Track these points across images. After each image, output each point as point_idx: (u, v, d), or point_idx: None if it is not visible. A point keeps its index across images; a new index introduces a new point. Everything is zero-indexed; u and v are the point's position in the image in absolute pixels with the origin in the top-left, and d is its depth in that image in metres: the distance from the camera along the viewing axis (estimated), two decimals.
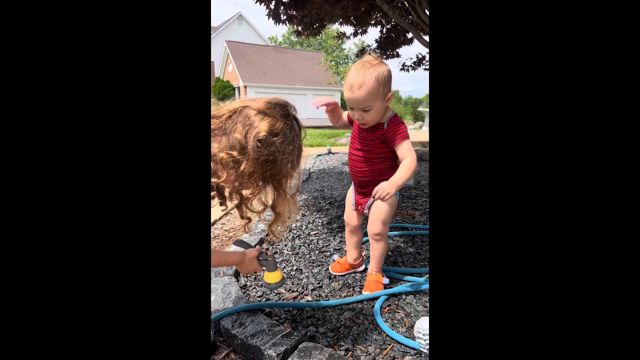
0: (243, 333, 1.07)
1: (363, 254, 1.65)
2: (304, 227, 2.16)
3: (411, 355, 1.01)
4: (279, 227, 0.97)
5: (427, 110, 10.46)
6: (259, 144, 0.81)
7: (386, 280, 1.41)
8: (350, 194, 1.50)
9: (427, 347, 0.91)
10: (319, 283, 1.46)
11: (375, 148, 1.34)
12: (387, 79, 1.22)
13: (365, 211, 1.42)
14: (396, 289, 1.35)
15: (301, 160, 0.94)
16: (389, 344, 1.07)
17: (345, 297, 1.36)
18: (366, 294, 1.34)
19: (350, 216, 1.49)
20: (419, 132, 8.52)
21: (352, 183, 1.50)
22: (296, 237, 2.02)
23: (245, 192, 0.84)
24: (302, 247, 1.86)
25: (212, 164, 0.81)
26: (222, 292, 1.32)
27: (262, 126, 0.81)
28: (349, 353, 1.03)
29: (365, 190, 1.41)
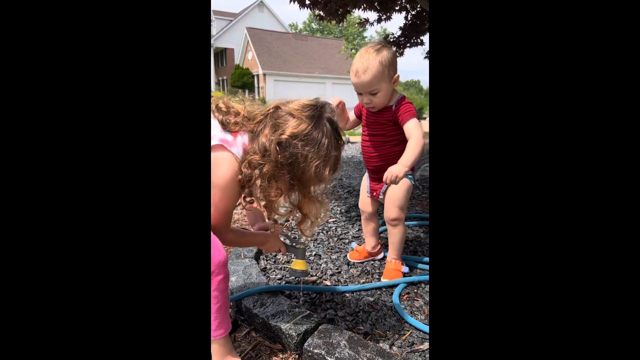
0: (264, 313, 1.09)
1: (381, 242, 1.65)
2: (327, 198, 2.17)
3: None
4: (308, 227, 0.97)
5: None
6: (278, 147, 0.81)
7: (405, 269, 1.41)
8: (365, 181, 1.50)
9: None
10: (337, 269, 1.48)
11: (386, 132, 1.35)
12: (391, 61, 1.24)
13: (380, 197, 1.42)
14: (415, 277, 1.35)
15: (338, 167, 0.90)
16: (408, 330, 1.08)
17: (363, 283, 1.36)
18: (385, 281, 1.34)
19: (365, 203, 1.49)
20: None
21: (366, 170, 1.49)
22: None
23: (269, 194, 0.84)
24: (321, 233, 1.88)
25: (244, 168, 0.82)
26: (244, 274, 1.35)
27: (285, 129, 0.82)
28: (368, 337, 1.05)
29: (378, 176, 1.40)
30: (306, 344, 0.96)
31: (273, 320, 1.06)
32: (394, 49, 3.55)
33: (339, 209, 2.24)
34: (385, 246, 1.61)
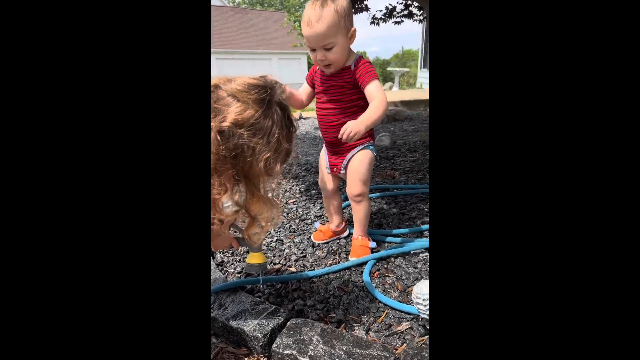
0: (223, 315, 0.96)
1: (345, 218, 1.56)
2: (280, 195, 2.04)
3: (408, 320, 0.95)
4: (256, 232, 0.84)
5: (397, 70, 10.30)
6: (219, 136, 0.66)
7: (373, 244, 1.33)
8: (323, 157, 1.37)
9: (428, 312, 0.85)
10: (302, 252, 1.37)
11: (346, 95, 1.21)
12: (347, 11, 1.10)
13: (342, 172, 1.31)
14: (384, 252, 1.28)
15: (290, 158, 0.78)
16: (383, 311, 1.01)
17: (331, 265, 1.27)
18: (353, 260, 1.26)
19: (325, 181, 1.38)
20: (390, 93, 8.38)
21: (324, 144, 1.37)
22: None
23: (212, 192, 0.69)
24: (281, 216, 1.75)
25: None
26: None
27: (227, 115, 0.66)
28: (342, 325, 0.96)
29: (339, 149, 1.29)
30: (275, 345, 0.85)
31: (234, 321, 0.93)
32: None
33: (297, 188, 2.11)
34: (349, 222, 1.52)
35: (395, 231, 1.45)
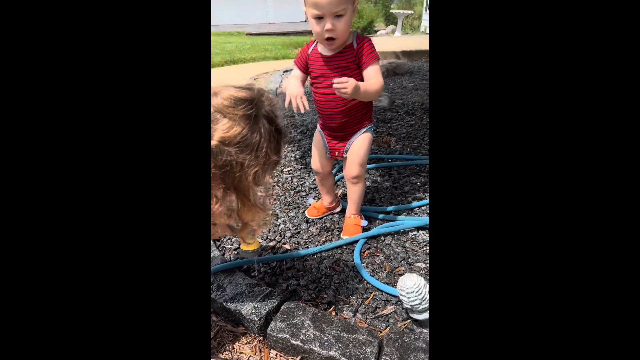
0: (222, 297, 1.03)
1: (338, 193, 1.60)
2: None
3: (393, 303, 1.03)
4: (249, 234, 0.88)
5: (401, 12, 9.64)
6: None
7: (364, 223, 1.38)
8: (319, 142, 1.35)
9: (410, 303, 0.92)
10: (296, 229, 1.42)
11: (354, 76, 1.14)
12: None
13: (345, 155, 1.32)
14: (374, 231, 1.34)
15: (277, 166, 0.81)
16: (371, 292, 1.08)
17: (324, 242, 1.33)
18: (345, 238, 1.32)
19: (320, 164, 1.37)
20: (392, 40, 7.93)
21: (320, 128, 1.35)
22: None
23: None
24: (276, 187, 1.78)
25: None
26: None
27: (214, 133, 0.65)
28: (332, 307, 1.04)
29: (343, 133, 1.28)
30: (269, 328, 0.93)
31: (232, 304, 1.01)
32: None
33: (293, 155, 2.12)
34: (342, 197, 1.56)
35: (389, 208, 1.50)
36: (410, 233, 1.35)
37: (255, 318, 0.95)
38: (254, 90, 0.73)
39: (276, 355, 0.92)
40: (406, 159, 1.92)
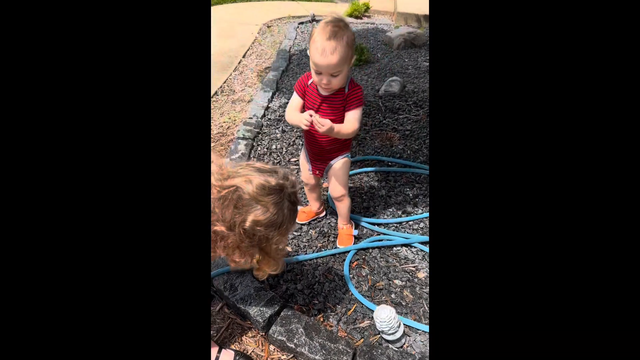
0: (234, 296, 1.29)
1: (323, 201, 1.78)
2: (284, 150, 2.20)
3: (369, 318, 1.29)
4: (260, 274, 1.04)
5: None
6: (242, 231, 0.81)
7: (355, 232, 1.61)
8: (304, 160, 1.54)
9: (381, 329, 1.17)
10: (297, 230, 1.64)
11: (338, 116, 1.33)
12: (353, 42, 1.23)
13: (324, 175, 1.53)
14: (363, 244, 1.56)
15: (292, 227, 0.95)
16: (353, 304, 1.34)
17: (320, 247, 1.57)
18: (338, 248, 1.55)
19: (308, 177, 1.57)
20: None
21: (305, 150, 1.52)
22: (276, 164, 2.08)
23: (232, 257, 0.89)
24: None
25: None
26: None
27: (248, 216, 0.80)
28: (320, 314, 1.30)
29: (322, 157, 1.47)
30: (271, 330, 1.19)
31: (242, 304, 1.26)
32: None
33: (301, 141, 2.25)
34: (326, 201, 1.77)
35: (380, 221, 1.70)
36: (394, 248, 1.58)
37: (260, 320, 1.21)
38: (279, 174, 0.88)
39: (274, 350, 1.19)
40: (404, 165, 2.07)
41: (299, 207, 1.71)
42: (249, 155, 2.11)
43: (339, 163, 1.45)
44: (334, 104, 1.32)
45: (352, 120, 1.30)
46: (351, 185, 1.92)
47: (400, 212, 1.76)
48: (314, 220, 1.69)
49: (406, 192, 1.90)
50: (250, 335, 1.24)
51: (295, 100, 1.39)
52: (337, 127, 1.25)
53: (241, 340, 1.22)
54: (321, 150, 1.44)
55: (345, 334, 1.24)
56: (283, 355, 1.18)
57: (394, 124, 2.50)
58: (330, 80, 1.22)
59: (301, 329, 1.19)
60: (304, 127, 1.25)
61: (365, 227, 1.67)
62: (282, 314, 1.24)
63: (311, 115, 1.21)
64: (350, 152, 1.51)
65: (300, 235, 1.62)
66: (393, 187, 1.93)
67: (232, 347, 1.19)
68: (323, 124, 1.19)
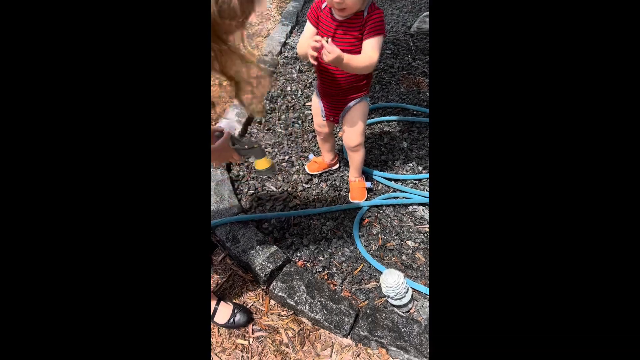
0: (236, 248, 1.23)
1: (337, 152, 1.62)
2: (299, 92, 2.02)
3: (376, 279, 1.22)
4: (253, 101, 0.83)
5: None
6: None
7: (368, 184, 1.48)
8: (317, 106, 1.36)
9: (387, 293, 1.10)
10: (307, 182, 1.54)
11: (357, 45, 1.12)
12: None
13: (339, 121, 1.35)
14: (377, 200, 1.45)
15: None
16: (360, 263, 1.27)
17: (330, 201, 1.47)
18: (350, 203, 1.44)
19: (321, 125, 1.41)
20: None
21: (318, 94, 1.34)
22: (290, 107, 1.93)
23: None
24: (296, 124, 1.82)
25: None
26: (215, 195, 1.41)
27: None
28: (325, 272, 1.24)
29: (337, 99, 1.28)
30: (272, 286, 1.14)
31: (244, 256, 1.21)
32: None
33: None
34: (340, 152, 1.63)
35: (397, 176, 1.57)
36: (410, 207, 1.46)
37: (262, 274, 1.17)
38: None
39: (275, 305, 1.16)
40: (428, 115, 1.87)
41: (311, 157, 1.61)
42: None
43: (357, 107, 1.28)
44: (351, 30, 1.10)
45: (368, 51, 1.09)
46: (369, 133, 1.76)
47: (421, 168, 1.61)
48: (325, 172, 1.58)
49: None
50: (251, 288, 1.20)
51: (309, 29, 1.19)
52: (348, 57, 1.03)
53: (241, 292, 1.18)
54: (338, 90, 1.24)
55: (349, 295, 1.18)
56: (283, 311, 1.14)
57: (424, 68, 2.24)
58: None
59: (303, 287, 1.14)
60: (312, 57, 1.05)
61: (381, 183, 1.54)
62: (284, 269, 1.19)
63: (318, 41, 1.01)
64: (370, 98, 1.33)
65: (310, 187, 1.52)
66: (416, 139, 1.76)
67: (232, 300, 1.16)
68: (330, 50, 0.99)
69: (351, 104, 1.28)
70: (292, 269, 1.18)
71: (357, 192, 1.46)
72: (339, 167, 1.60)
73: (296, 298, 1.11)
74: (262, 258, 1.20)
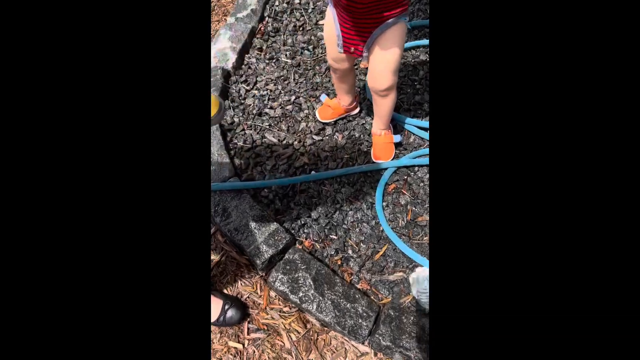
0: (227, 225, 0.98)
1: (357, 93, 1.24)
2: (310, 4, 1.56)
3: (403, 267, 0.97)
4: None
5: None
6: None
7: (397, 138, 1.14)
8: (332, 27, 0.94)
9: (419, 297, 0.85)
10: (318, 132, 1.21)
11: None
12: None
13: (364, 54, 0.94)
14: (406, 159, 1.12)
15: None
16: (384, 244, 1.01)
17: (347, 160, 1.15)
18: (373, 164, 1.13)
19: (337, 59, 1.01)
20: None
21: (332, 9, 0.91)
22: (299, 28, 1.49)
23: None
24: (306, 50, 1.41)
25: None
26: None
27: None
28: (338, 256, 0.99)
29: (362, 21, 0.87)
30: (271, 277, 0.92)
31: (237, 236, 0.97)
32: None
33: None
34: (362, 91, 1.25)
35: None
36: None
37: (258, 262, 0.93)
38: None
39: (276, 297, 0.94)
40: None
41: (324, 98, 1.24)
42: (261, 12, 1.52)
43: (390, 33, 0.87)
44: None
45: None
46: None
47: None
48: (342, 119, 1.23)
49: None
50: (247, 275, 0.98)
51: None
52: None
53: (235, 280, 0.97)
54: (363, 8, 0.83)
55: (368, 287, 0.95)
56: (285, 306, 0.93)
57: None
58: None
59: (309, 280, 0.90)
60: None
61: (413, 134, 1.19)
62: (286, 255, 0.94)
63: None
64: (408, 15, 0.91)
65: (322, 140, 1.20)
66: None
67: (224, 289, 0.95)
68: None
69: (382, 26, 0.87)
70: (296, 256, 0.94)
71: (382, 148, 1.13)
72: (360, 112, 1.24)
73: (301, 294, 0.89)
74: (259, 239, 0.95)
